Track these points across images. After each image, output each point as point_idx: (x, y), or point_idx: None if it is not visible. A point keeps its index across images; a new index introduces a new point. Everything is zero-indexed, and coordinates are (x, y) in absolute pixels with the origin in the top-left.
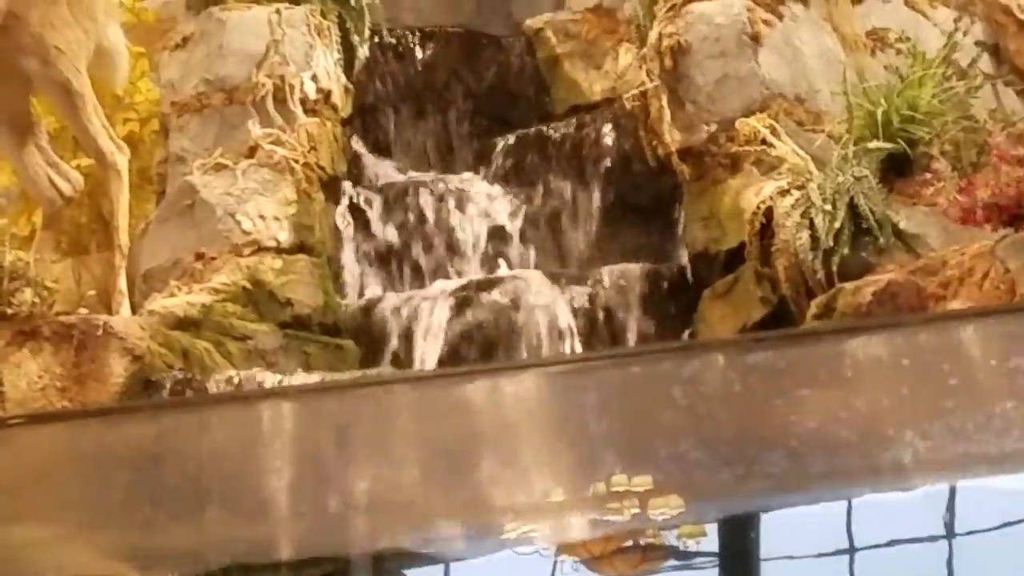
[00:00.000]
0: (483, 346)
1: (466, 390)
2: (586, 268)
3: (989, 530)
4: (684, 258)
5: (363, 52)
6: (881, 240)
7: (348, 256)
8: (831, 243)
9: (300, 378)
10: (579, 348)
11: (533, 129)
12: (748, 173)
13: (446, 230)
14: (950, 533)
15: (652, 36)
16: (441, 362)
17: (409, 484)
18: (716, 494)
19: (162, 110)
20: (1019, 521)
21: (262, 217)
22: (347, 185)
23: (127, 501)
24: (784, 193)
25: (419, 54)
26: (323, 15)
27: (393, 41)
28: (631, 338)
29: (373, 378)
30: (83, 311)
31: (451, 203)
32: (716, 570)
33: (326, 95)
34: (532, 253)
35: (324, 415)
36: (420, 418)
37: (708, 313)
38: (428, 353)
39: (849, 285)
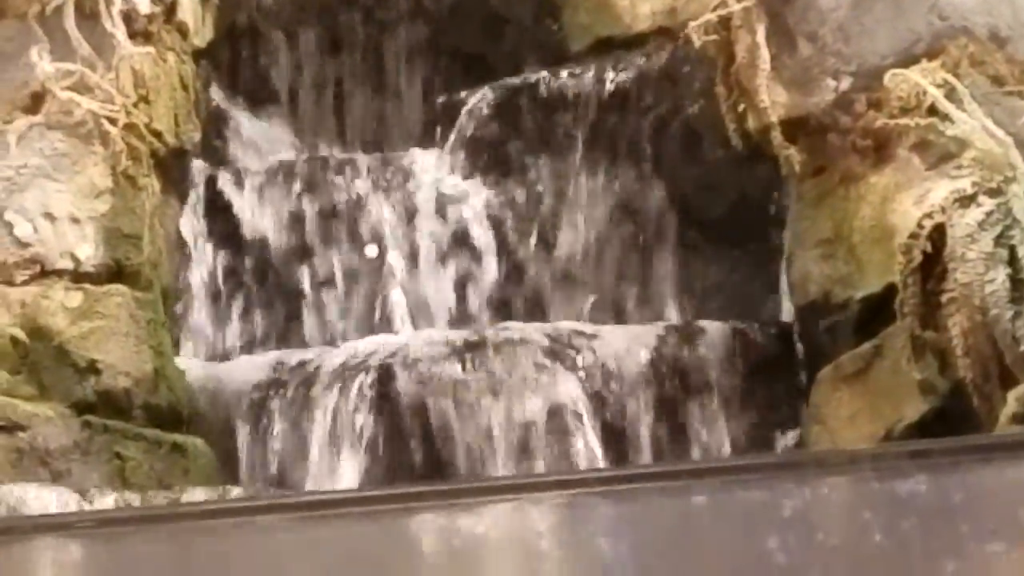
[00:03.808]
0: (430, 453)
1: (402, 531)
2: (614, 324)
3: None
4: (787, 311)
5: None
6: None
7: (199, 289)
8: None
9: (109, 501)
10: (600, 461)
11: (529, 77)
12: (904, 165)
13: (372, 249)
14: None
15: None
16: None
17: None
18: None
19: None
20: None
21: (49, 217)
22: (201, 165)
23: None
24: (966, 201)
25: None
26: None
27: None
28: (691, 446)
29: (238, 501)
30: None
31: (382, 201)
32: None
33: (168, 8)
34: (520, 297)
35: (150, 571)
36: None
37: (828, 407)
38: (342, 464)
39: None
